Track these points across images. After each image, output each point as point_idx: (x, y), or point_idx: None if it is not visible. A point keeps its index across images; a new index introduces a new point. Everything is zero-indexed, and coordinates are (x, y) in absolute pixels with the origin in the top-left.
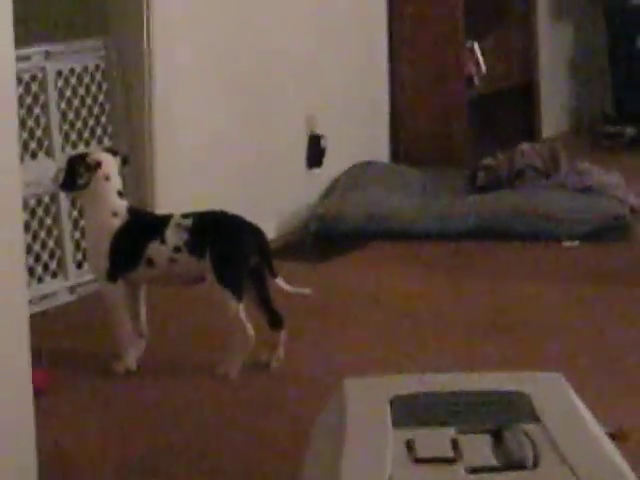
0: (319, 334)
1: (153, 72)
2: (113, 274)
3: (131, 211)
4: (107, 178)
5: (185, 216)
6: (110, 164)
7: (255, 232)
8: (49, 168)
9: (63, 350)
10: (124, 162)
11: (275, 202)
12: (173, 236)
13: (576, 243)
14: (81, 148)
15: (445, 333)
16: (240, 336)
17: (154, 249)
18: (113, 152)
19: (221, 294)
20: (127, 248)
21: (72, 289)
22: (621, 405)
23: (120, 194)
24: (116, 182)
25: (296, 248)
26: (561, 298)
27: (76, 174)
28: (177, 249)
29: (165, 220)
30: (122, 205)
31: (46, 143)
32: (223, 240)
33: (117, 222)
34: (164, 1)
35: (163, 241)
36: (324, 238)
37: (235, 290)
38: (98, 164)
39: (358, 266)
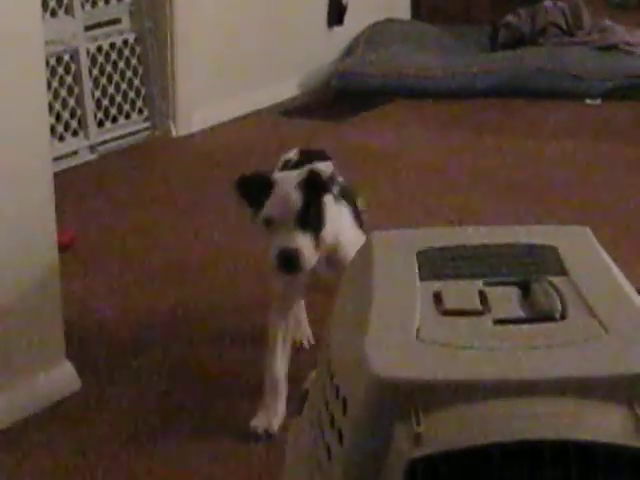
0: None
1: None
2: None
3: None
4: None
5: None
6: None
7: None
8: (69, 26)
9: (84, 208)
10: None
11: (297, 60)
12: None
13: (598, 101)
14: (100, 6)
15: (469, 189)
16: None
17: None
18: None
19: None
20: None
21: (93, 148)
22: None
23: None
24: None
25: (318, 106)
26: (583, 155)
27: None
28: None
29: None
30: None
31: (65, 0)
32: None
33: None
34: None
35: None
36: (346, 95)
37: None
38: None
39: (381, 123)
